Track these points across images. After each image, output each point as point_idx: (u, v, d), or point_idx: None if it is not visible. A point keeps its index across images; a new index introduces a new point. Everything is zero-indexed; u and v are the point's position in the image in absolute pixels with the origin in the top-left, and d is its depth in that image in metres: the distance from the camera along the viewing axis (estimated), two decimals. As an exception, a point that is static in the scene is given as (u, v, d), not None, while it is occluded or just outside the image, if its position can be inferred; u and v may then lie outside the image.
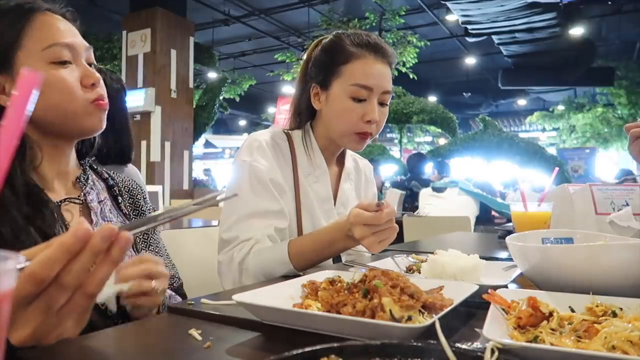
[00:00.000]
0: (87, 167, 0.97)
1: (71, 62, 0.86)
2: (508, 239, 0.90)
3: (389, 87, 1.26)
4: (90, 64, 0.91)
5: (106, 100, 0.90)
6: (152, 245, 1.02)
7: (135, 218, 1.01)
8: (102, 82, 0.91)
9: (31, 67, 0.82)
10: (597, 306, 0.61)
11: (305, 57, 1.36)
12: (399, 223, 1.33)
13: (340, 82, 1.23)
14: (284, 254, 1.09)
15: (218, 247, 1.20)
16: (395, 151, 11.46)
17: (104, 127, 0.91)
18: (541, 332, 0.54)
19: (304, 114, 1.34)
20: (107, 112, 0.91)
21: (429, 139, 17.56)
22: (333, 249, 1.09)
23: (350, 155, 1.45)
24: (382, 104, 1.26)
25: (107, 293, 0.67)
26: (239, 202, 1.18)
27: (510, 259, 0.95)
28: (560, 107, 14.40)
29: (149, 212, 1.05)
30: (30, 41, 0.83)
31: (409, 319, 0.60)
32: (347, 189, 1.39)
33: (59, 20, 0.88)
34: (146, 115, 7.57)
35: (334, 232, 1.08)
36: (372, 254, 1.37)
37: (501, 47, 10.27)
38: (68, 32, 0.88)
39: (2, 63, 0.83)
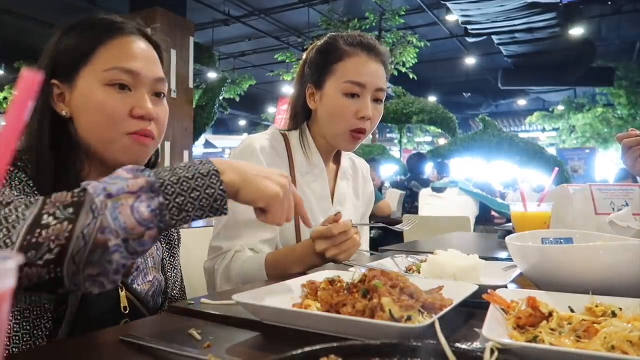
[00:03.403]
0: None
1: (131, 89, 0.85)
2: (508, 239, 0.90)
3: (383, 85, 1.26)
4: (159, 94, 0.89)
5: (153, 138, 0.86)
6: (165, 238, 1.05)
7: None
8: (161, 118, 0.88)
9: (88, 84, 0.83)
10: (596, 306, 0.61)
11: (303, 59, 1.38)
12: (399, 223, 1.33)
13: (334, 81, 1.25)
14: (261, 265, 1.12)
15: (208, 252, 1.23)
16: (395, 151, 11.45)
17: (144, 162, 0.88)
18: (541, 332, 0.54)
19: (301, 115, 1.35)
20: (150, 147, 0.87)
21: (429, 139, 17.57)
22: (304, 264, 1.10)
23: (346, 154, 1.45)
24: (376, 101, 1.27)
25: None
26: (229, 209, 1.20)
27: (510, 259, 0.95)
28: (560, 108, 14.40)
29: None
30: (98, 60, 0.83)
31: (409, 319, 0.60)
32: (344, 187, 1.41)
33: (137, 45, 0.87)
34: (146, 115, 7.55)
35: (304, 249, 1.10)
36: (372, 254, 1.38)
37: (501, 48, 10.27)
38: (140, 58, 0.86)
39: (68, 74, 0.84)
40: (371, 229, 3.01)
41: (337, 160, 1.43)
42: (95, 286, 0.60)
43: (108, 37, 0.85)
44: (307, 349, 0.41)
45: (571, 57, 10.35)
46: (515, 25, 8.67)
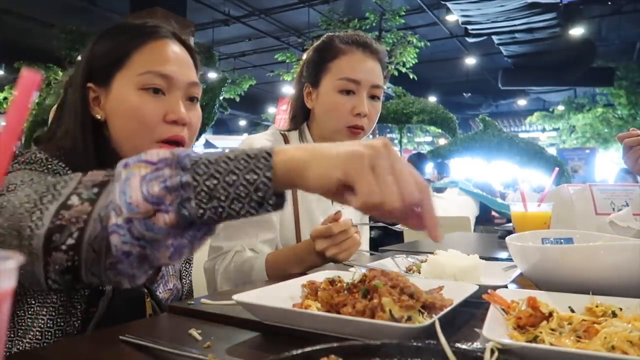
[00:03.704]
0: None
1: (164, 93, 0.84)
2: (508, 239, 0.90)
3: (379, 82, 1.27)
4: (192, 98, 0.88)
5: (184, 143, 0.85)
6: None
7: None
8: (194, 122, 0.87)
9: (122, 88, 0.83)
10: (596, 306, 0.61)
11: (302, 59, 1.38)
12: (399, 223, 1.33)
13: (329, 78, 1.26)
14: (261, 265, 1.12)
15: (208, 253, 1.23)
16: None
17: None
18: (541, 332, 0.54)
19: (300, 115, 1.35)
20: None
21: (429, 139, 17.55)
22: (304, 264, 1.10)
23: None
24: (373, 97, 1.27)
25: None
26: None
27: (510, 259, 0.95)
28: (560, 108, 14.39)
29: None
30: (133, 64, 0.83)
31: (409, 319, 0.60)
32: None
33: (171, 49, 0.86)
34: (146, 115, 7.55)
35: (304, 249, 1.10)
36: (372, 254, 1.37)
37: (501, 48, 10.27)
38: (174, 62, 0.85)
39: (104, 77, 0.84)
40: (371, 228, 3.00)
41: None
42: (121, 277, 0.52)
43: (142, 40, 0.85)
44: (307, 349, 0.41)
45: (571, 57, 10.34)
46: (515, 25, 8.67)
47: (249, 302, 0.64)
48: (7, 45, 9.80)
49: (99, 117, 0.84)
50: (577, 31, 9.25)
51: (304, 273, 1.03)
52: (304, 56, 1.38)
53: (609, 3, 8.92)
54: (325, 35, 1.34)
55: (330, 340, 0.43)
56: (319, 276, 0.79)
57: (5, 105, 11.00)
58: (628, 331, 0.49)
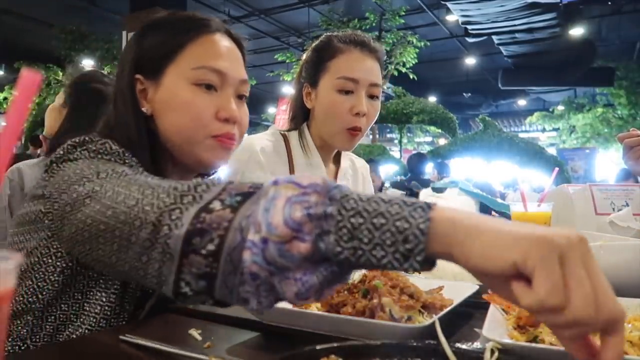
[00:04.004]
0: None
1: (217, 90, 0.83)
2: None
3: (377, 80, 1.27)
4: (241, 96, 0.87)
5: (235, 140, 0.85)
6: None
7: None
8: (243, 120, 0.86)
9: (174, 82, 0.81)
10: (597, 306, 0.61)
11: (302, 59, 1.39)
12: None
13: (328, 77, 1.25)
14: None
15: None
16: (395, 151, 11.44)
17: (224, 165, 0.87)
18: (541, 332, 0.54)
19: (300, 115, 1.35)
20: (232, 150, 0.86)
21: (429, 139, 17.56)
22: None
23: (345, 155, 1.45)
24: (371, 97, 1.27)
25: None
26: None
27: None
28: (560, 108, 14.39)
29: None
30: (185, 58, 0.81)
31: (409, 319, 0.60)
32: None
33: (224, 44, 0.85)
34: (146, 115, 7.55)
35: None
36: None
37: (501, 48, 10.27)
38: (226, 57, 0.84)
39: (154, 70, 0.82)
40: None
41: (337, 160, 1.43)
42: (253, 297, 0.47)
43: (195, 34, 0.83)
44: (307, 349, 0.41)
45: (571, 57, 10.34)
46: (515, 25, 8.67)
47: (249, 302, 0.64)
48: (7, 45, 9.80)
49: (145, 111, 0.83)
50: (577, 31, 9.26)
51: None
52: (303, 56, 1.39)
53: (609, 3, 8.92)
54: (323, 35, 1.34)
55: (330, 340, 0.43)
56: (319, 276, 0.79)
57: (5, 105, 11.00)
58: (628, 331, 0.49)
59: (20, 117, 0.34)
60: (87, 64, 9.16)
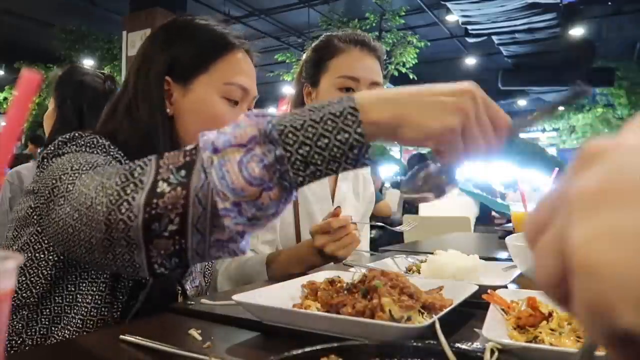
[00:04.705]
0: None
1: (237, 103, 0.89)
2: (508, 239, 0.90)
3: (378, 79, 1.27)
4: (249, 109, 0.92)
5: None
6: None
7: None
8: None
9: (205, 91, 0.86)
10: (596, 306, 0.61)
11: (302, 59, 1.39)
12: (400, 224, 1.33)
13: (328, 77, 1.26)
14: (261, 265, 1.12)
15: None
16: (395, 151, 11.45)
17: None
18: (540, 332, 0.54)
19: None
20: None
21: (429, 139, 17.54)
22: (304, 264, 1.10)
23: None
24: None
25: None
26: None
27: (510, 259, 0.95)
28: (560, 108, 14.40)
29: None
30: (218, 71, 0.87)
31: (409, 319, 0.60)
32: (344, 188, 1.41)
33: (247, 61, 0.92)
34: (146, 115, 7.54)
35: (304, 248, 1.10)
36: (372, 254, 1.37)
37: (501, 48, 10.26)
38: (251, 75, 0.91)
39: (185, 76, 0.86)
40: (371, 228, 3.01)
41: None
42: (223, 252, 0.55)
43: (227, 50, 0.89)
44: (307, 349, 0.41)
45: (571, 57, 10.34)
46: (515, 26, 8.67)
47: (249, 302, 0.64)
48: (7, 45, 9.80)
49: (167, 112, 0.86)
50: (577, 31, 9.26)
51: (304, 273, 1.03)
52: (304, 56, 1.39)
53: (609, 3, 8.92)
54: (323, 35, 1.34)
55: (330, 340, 0.43)
56: (319, 276, 0.79)
57: (5, 105, 11.00)
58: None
59: (20, 117, 0.34)
60: (87, 63, 9.17)
